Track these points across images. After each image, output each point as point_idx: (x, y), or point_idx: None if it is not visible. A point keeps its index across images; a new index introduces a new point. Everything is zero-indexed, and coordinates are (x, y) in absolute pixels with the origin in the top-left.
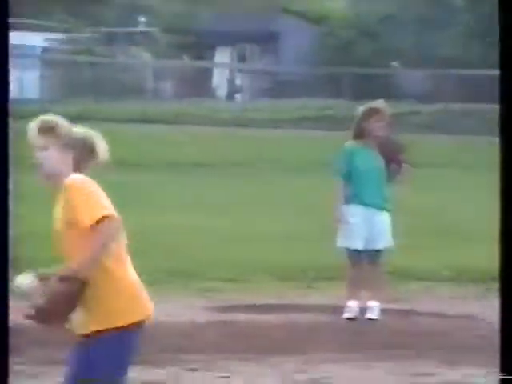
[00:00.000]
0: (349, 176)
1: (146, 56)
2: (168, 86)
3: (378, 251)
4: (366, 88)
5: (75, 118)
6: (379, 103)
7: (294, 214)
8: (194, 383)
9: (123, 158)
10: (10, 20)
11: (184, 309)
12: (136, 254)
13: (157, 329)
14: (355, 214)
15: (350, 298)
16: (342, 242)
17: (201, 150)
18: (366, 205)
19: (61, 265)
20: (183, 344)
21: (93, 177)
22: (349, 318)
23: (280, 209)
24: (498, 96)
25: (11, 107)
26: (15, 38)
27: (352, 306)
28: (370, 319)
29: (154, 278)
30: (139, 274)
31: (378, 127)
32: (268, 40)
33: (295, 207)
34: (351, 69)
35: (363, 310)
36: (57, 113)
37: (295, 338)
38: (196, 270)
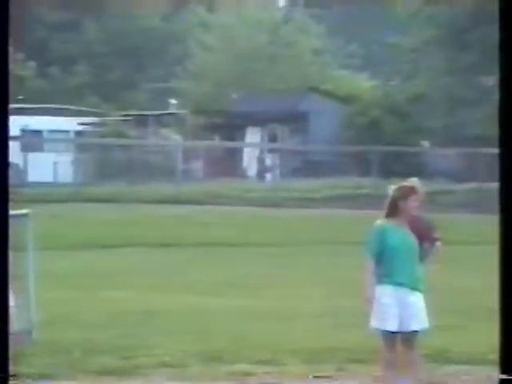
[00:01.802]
0: (380, 255)
1: (176, 138)
2: (198, 167)
3: (413, 333)
4: (395, 167)
5: (108, 201)
6: (416, 182)
7: (325, 293)
8: None
9: (155, 239)
10: (45, 106)
11: None
12: (166, 335)
13: None
14: (387, 295)
15: (385, 381)
16: (374, 323)
17: (232, 230)
18: (397, 285)
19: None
20: None
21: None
22: None
23: (311, 289)
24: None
25: (47, 191)
26: (49, 123)
27: None
28: None
29: (183, 361)
30: (165, 356)
31: (414, 206)
32: (297, 120)
33: (327, 287)
34: (381, 147)
35: None
36: (90, 196)
37: None
38: (227, 352)
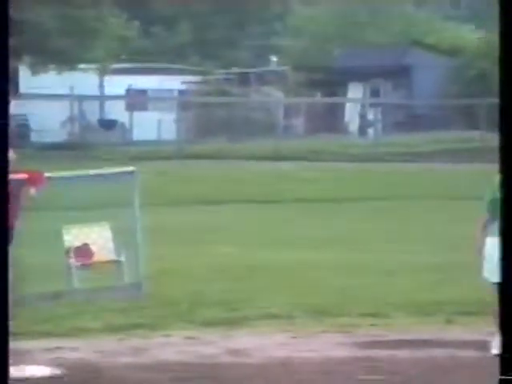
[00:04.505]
0: (493, 208)
1: (277, 94)
2: (299, 123)
3: None
4: None
5: (210, 157)
6: None
7: (428, 248)
8: None
9: (257, 196)
10: (149, 65)
11: (321, 344)
12: (271, 289)
13: (296, 365)
14: (495, 245)
15: (497, 332)
16: (485, 273)
17: (333, 185)
18: None
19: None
20: (322, 380)
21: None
22: (497, 355)
23: (417, 243)
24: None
25: (152, 148)
26: (153, 81)
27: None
28: None
29: (289, 313)
30: (271, 308)
31: None
32: (400, 74)
33: (429, 241)
34: (488, 100)
35: None
36: (193, 153)
37: (438, 374)
38: (332, 306)
